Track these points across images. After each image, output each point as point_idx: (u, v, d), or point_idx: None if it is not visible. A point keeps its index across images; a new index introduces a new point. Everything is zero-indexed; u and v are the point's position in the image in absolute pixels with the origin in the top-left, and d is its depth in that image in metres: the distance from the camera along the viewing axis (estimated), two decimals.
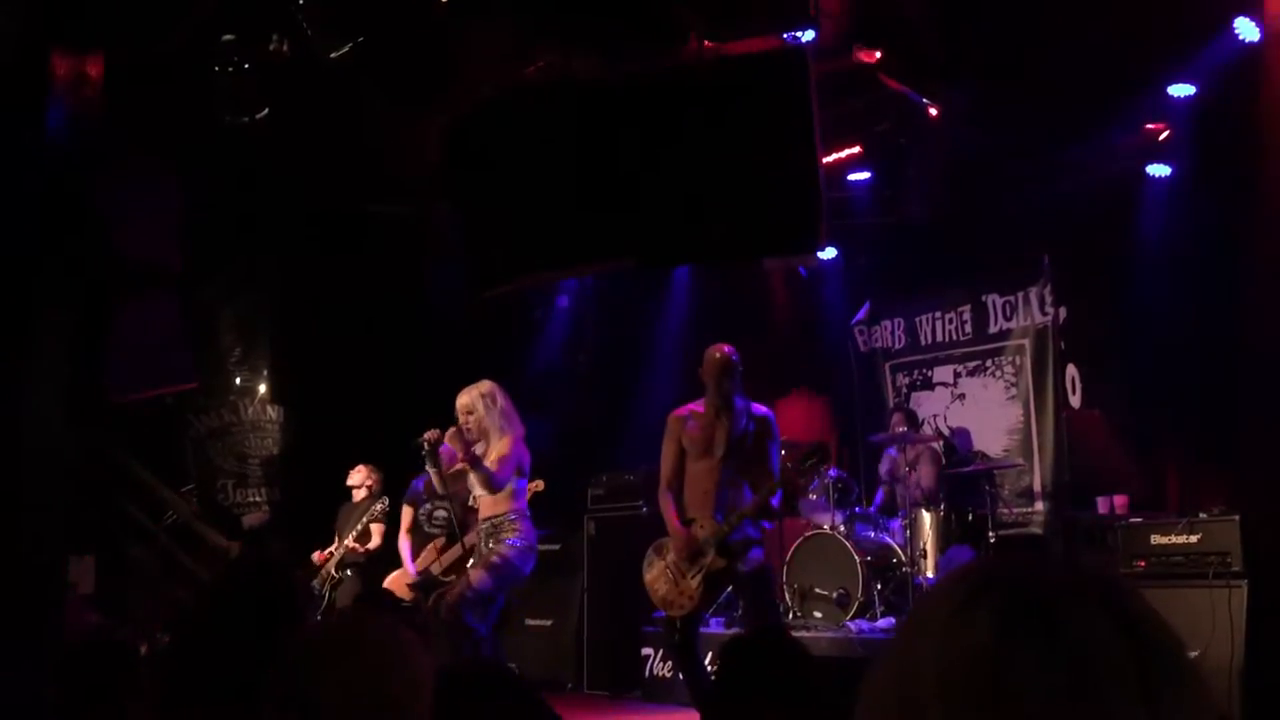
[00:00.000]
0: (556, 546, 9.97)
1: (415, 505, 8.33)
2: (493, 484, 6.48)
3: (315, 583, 8.83)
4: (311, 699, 1.69)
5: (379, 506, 8.85)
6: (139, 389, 9.21)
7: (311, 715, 1.68)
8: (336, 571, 8.83)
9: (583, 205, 3.97)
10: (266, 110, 7.15)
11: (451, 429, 6.65)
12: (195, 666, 2.55)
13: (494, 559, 6.53)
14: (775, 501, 6.14)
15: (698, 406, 6.25)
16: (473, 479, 6.60)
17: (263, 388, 10.72)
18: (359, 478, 9.16)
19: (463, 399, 6.64)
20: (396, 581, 8.29)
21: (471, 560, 6.78)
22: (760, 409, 6.25)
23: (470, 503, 6.97)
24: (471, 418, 6.58)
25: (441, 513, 8.07)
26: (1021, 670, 0.81)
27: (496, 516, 6.65)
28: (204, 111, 7.30)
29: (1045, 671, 0.80)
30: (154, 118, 7.29)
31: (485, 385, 6.70)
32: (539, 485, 7.80)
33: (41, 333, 2.25)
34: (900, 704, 0.83)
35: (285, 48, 6.86)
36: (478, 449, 6.56)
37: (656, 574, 6.16)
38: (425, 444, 6.55)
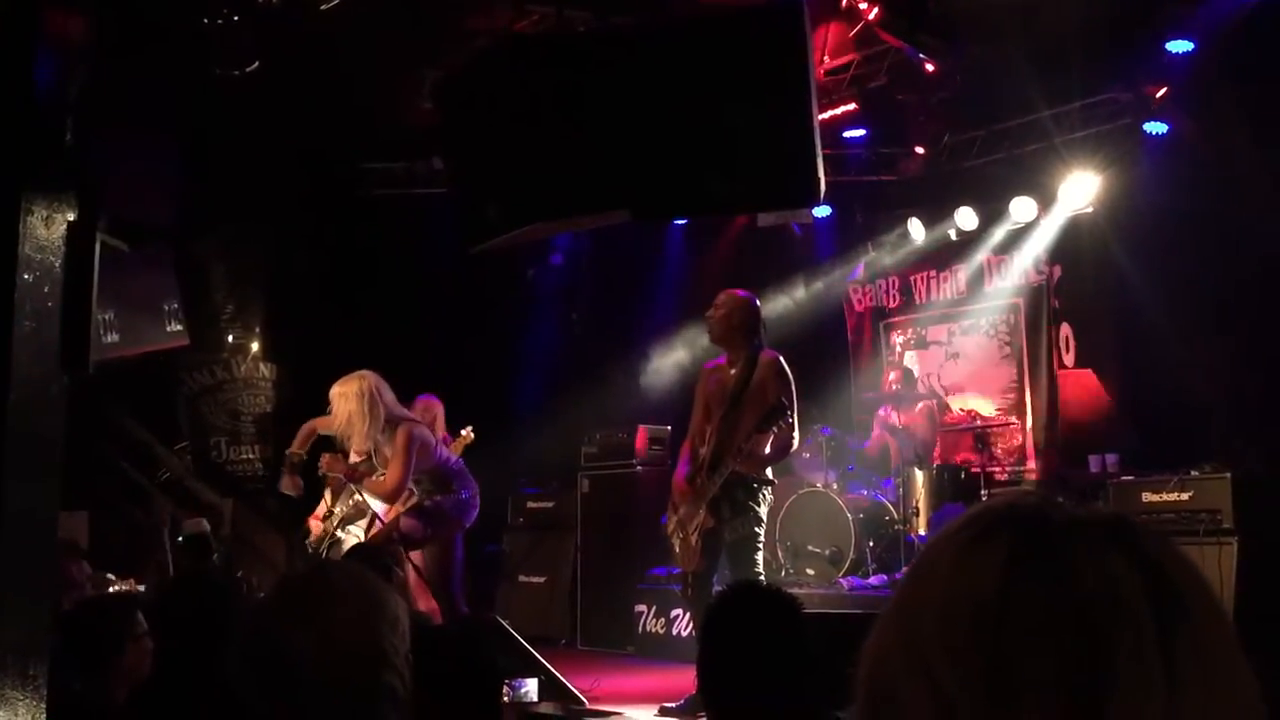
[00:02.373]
0: (550, 504, 10.01)
1: None
2: (389, 498, 6.30)
3: (311, 542, 8.81)
4: (288, 655, 1.68)
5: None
6: (132, 345, 9.19)
7: (292, 671, 1.67)
8: (338, 531, 8.76)
9: (576, 158, 3.94)
10: (257, 64, 7.08)
11: (327, 456, 6.38)
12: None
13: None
14: (762, 451, 5.80)
15: (723, 359, 6.08)
16: (367, 494, 6.40)
17: (255, 345, 10.69)
18: None
19: (339, 405, 6.11)
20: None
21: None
22: (767, 355, 5.95)
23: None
24: (353, 425, 6.10)
25: None
26: (1029, 612, 0.75)
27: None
28: (197, 66, 7.23)
29: (1053, 613, 0.75)
30: (148, 73, 7.23)
31: (357, 384, 6.11)
32: (469, 436, 7.69)
33: (29, 289, 2.22)
34: (904, 650, 0.79)
35: (275, 0, 6.78)
36: (370, 445, 6.22)
37: (671, 529, 6.07)
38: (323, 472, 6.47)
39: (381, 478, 6.24)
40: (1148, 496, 6.82)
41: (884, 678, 0.79)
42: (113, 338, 8.89)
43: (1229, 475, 6.50)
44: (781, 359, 5.95)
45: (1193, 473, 6.66)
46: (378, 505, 7.05)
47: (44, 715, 2.11)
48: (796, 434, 6.00)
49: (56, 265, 2.32)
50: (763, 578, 5.88)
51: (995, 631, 0.76)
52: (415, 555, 6.49)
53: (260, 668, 1.69)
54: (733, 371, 5.95)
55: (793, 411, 5.80)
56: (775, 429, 5.73)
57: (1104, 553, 0.78)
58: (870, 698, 0.80)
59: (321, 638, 1.66)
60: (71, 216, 2.36)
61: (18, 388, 2.24)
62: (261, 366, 10.70)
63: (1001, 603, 0.76)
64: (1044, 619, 0.75)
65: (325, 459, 6.39)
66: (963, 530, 0.82)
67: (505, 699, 4.96)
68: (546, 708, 5.75)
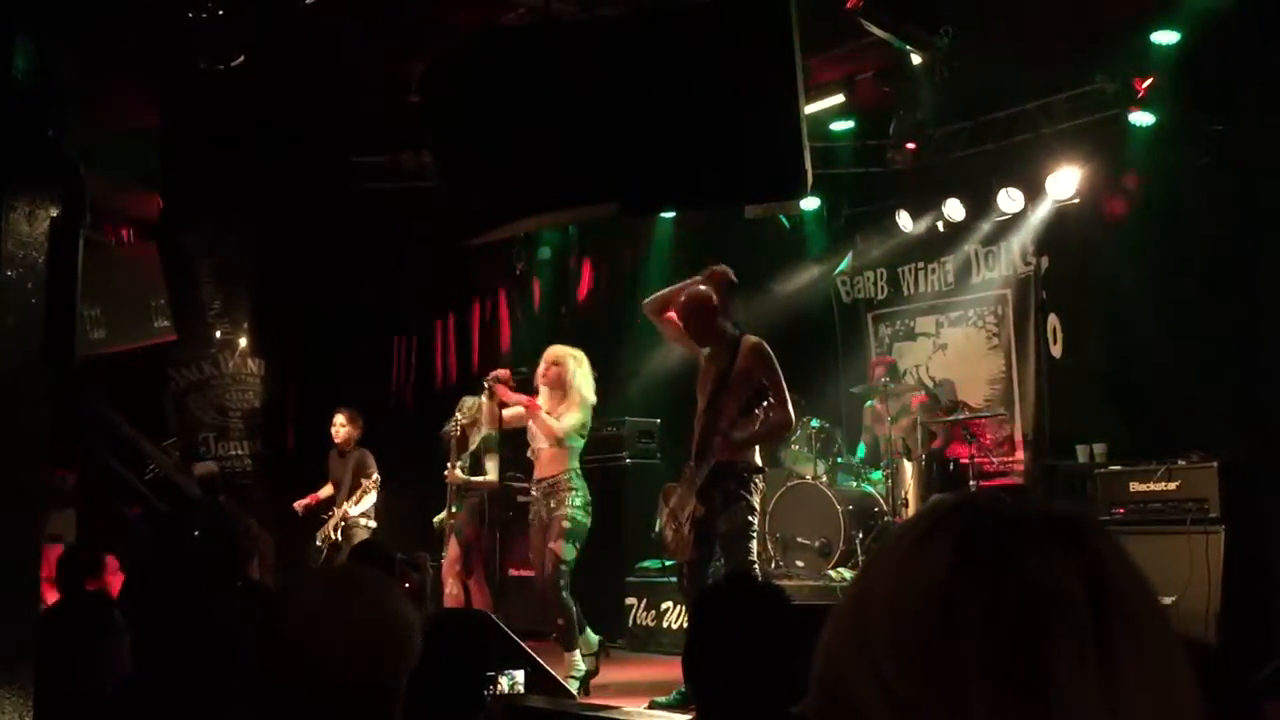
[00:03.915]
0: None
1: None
2: (555, 437, 6.71)
3: (320, 542, 8.71)
4: (310, 660, 1.64)
5: (371, 482, 8.62)
6: (118, 341, 9.15)
7: (311, 676, 1.63)
8: (335, 534, 8.67)
9: (564, 152, 3.93)
10: (243, 57, 7.05)
11: (503, 373, 6.98)
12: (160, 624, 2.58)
13: (565, 524, 6.67)
14: (738, 434, 5.78)
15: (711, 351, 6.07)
16: (533, 429, 6.84)
17: (243, 341, 10.66)
18: (341, 423, 8.92)
19: (555, 351, 6.92)
20: None
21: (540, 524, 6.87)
22: (748, 340, 5.95)
23: (529, 454, 7.06)
24: (555, 369, 6.81)
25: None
26: (972, 606, 0.75)
27: (555, 476, 6.76)
28: (183, 57, 7.19)
29: (992, 610, 0.75)
30: (133, 63, 7.19)
31: (578, 351, 7.00)
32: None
33: (13, 286, 2.21)
34: (854, 643, 0.78)
35: None
36: (546, 403, 6.81)
37: (664, 520, 6.06)
38: (492, 380, 7.00)
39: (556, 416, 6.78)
40: (1135, 486, 6.84)
41: (834, 671, 0.79)
42: (99, 333, 8.86)
43: (1216, 464, 6.52)
44: (764, 343, 5.94)
45: (1180, 462, 6.68)
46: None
47: (31, 714, 2.10)
48: (793, 411, 5.95)
49: (40, 261, 2.31)
50: (757, 568, 5.87)
51: (940, 625, 0.75)
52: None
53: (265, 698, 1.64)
54: (716, 360, 5.96)
55: (782, 391, 5.78)
56: (761, 413, 5.70)
57: (1047, 548, 0.78)
58: (822, 691, 0.80)
59: (320, 688, 1.61)
60: (55, 212, 2.34)
61: (1, 384, 2.23)
62: (249, 362, 10.66)
63: (946, 597, 0.76)
64: (986, 613, 0.75)
65: (504, 373, 7.01)
66: (914, 526, 0.82)
67: (493, 692, 4.95)
68: (536, 701, 5.75)
